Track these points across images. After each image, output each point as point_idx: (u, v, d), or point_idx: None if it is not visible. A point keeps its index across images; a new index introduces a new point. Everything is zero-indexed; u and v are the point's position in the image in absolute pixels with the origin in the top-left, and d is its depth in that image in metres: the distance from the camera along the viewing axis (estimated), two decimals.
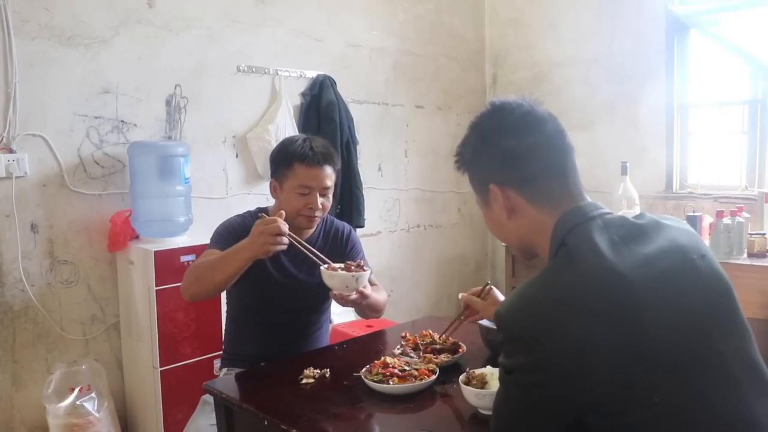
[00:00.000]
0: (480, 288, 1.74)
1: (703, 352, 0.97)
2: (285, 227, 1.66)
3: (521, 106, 1.12)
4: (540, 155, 1.08)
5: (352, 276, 1.74)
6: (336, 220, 2.12)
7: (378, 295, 1.99)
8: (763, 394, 1.01)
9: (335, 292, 1.77)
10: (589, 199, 1.11)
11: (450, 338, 1.77)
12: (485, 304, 1.70)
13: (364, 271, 1.78)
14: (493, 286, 1.74)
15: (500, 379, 1.05)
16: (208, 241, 2.65)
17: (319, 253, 1.81)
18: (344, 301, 1.81)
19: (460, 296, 1.77)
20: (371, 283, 2.07)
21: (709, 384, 0.96)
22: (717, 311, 1.02)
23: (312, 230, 2.01)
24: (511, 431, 1.03)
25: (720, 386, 0.97)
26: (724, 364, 0.98)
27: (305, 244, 1.81)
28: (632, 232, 1.04)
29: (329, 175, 1.92)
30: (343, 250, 2.05)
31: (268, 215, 1.93)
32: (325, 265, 1.77)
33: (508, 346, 1.01)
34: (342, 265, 1.79)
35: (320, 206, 1.90)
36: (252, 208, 2.05)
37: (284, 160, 1.91)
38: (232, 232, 1.89)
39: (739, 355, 1.01)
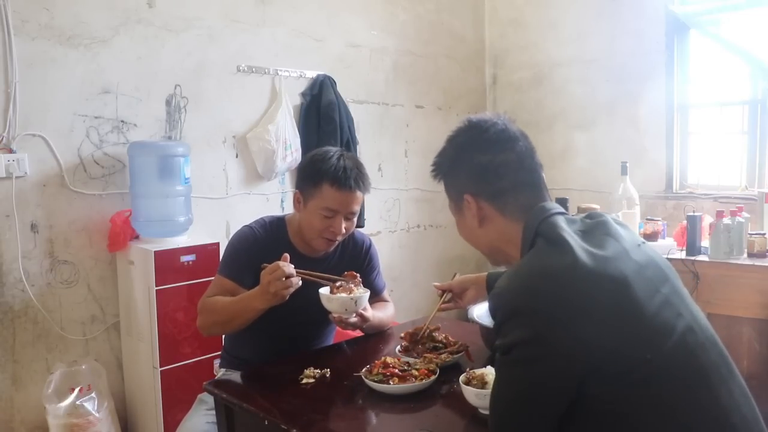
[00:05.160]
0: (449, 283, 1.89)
1: (672, 314, 1.05)
2: (291, 269, 1.63)
3: (496, 124, 1.22)
4: (510, 171, 1.19)
5: (351, 299, 1.72)
6: (355, 231, 2.01)
7: (383, 313, 1.98)
8: (720, 353, 1.09)
9: (335, 315, 1.77)
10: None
11: (450, 337, 1.77)
12: (458, 280, 1.84)
13: (360, 287, 1.77)
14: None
15: (497, 365, 1.05)
16: (208, 242, 2.72)
17: (328, 276, 1.78)
18: (345, 324, 1.81)
19: (434, 285, 1.89)
20: (382, 299, 2.07)
21: (687, 343, 1.03)
22: (671, 283, 1.10)
23: None
24: (514, 417, 1.02)
25: (696, 346, 1.04)
26: (691, 329, 1.05)
27: (314, 274, 1.76)
28: (586, 227, 1.14)
29: (358, 199, 1.81)
30: (361, 263, 1.99)
31: (285, 224, 1.91)
32: (326, 287, 1.76)
33: (506, 324, 1.02)
34: (342, 283, 1.77)
35: (343, 230, 1.82)
36: (263, 214, 1.98)
37: (313, 176, 1.80)
38: (241, 252, 1.84)
39: (698, 323, 1.08)
